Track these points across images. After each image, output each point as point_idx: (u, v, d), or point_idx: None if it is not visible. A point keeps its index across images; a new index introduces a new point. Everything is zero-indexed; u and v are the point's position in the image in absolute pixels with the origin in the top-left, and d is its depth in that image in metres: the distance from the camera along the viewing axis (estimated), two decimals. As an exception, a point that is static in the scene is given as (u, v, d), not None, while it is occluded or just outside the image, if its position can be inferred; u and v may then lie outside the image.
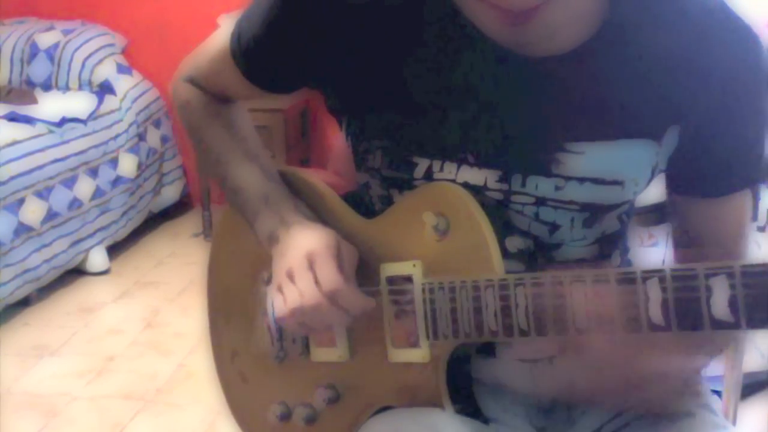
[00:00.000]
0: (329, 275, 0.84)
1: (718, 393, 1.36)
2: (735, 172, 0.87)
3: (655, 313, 0.69)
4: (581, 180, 0.83)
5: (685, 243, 0.95)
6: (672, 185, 0.91)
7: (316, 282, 0.85)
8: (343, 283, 0.84)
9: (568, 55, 0.80)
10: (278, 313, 0.88)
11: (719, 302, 0.66)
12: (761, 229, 1.58)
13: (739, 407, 1.38)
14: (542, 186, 0.83)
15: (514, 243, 0.86)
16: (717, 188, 0.88)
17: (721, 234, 0.91)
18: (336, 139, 1.18)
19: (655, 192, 0.91)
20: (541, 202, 0.84)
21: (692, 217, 0.92)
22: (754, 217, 1.03)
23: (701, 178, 0.88)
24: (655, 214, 1.12)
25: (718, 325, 0.67)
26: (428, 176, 0.85)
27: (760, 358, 1.91)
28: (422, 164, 0.85)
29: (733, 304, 0.66)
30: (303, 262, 0.86)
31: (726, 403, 1.36)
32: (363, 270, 0.89)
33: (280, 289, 0.88)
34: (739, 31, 0.81)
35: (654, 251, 1.48)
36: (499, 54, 0.80)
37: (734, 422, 1.37)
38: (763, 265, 0.65)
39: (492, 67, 0.81)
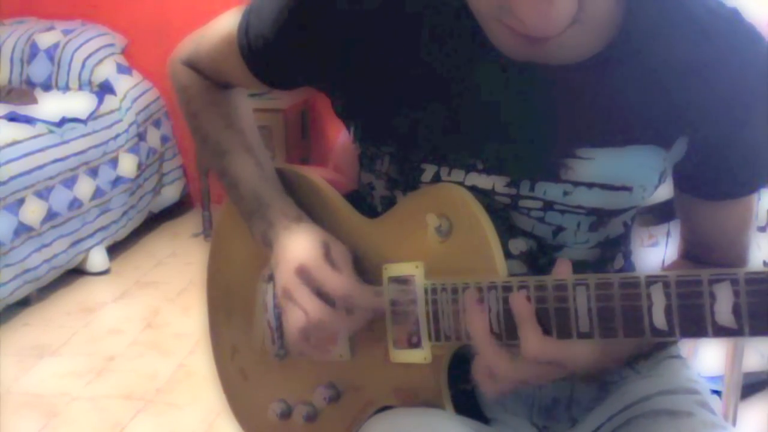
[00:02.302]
0: (330, 282, 0.84)
1: (718, 393, 1.36)
2: (741, 178, 0.88)
3: (659, 319, 0.69)
4: (590, 185, 0.83)
5: (690, 237, 0.96)
6: (679, 184, 0.91)
7: (318, 294, 0.85)
8: (347, 284, 0.85)
9: (581, 64, 0.80)
10: (289, 338, 0.89)
11: (723, 309, 0.66)
12: (761, 230, 1.58)
13: (739, 407, 1.38)
14: (550, 191, 0.83)
15: (517, 245, 0.86)
16: (723, 192, 0.89)
17: (725, 232, 0.93)
18: (337, 137, 1.17)
19: (654, 193, 0.91)
20: (548, 206, 0.84)
21: (697, 215, 0.93)
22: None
23: (707, 183, 0.89)
24: (655, 215, 1.12)
25: (722, 331, 0.67)
26: (436, 181, 0.85)
27: (760, 358, 1.91)
28: (430, 170, 0.85)
29: (736, 311, 0.66)
30: (296, 279, 0.86)
31: (726, 403, 1.36)
32: (365, 270, 0.88)
33: (285, 310, 0.88)
34: (750, 38, 0.81)
35: (654, 251, 1.48)
36: (509, 62, 0.79)
37: (734, 422, 1.37)
38: None
39: (502, 75, 0.81)
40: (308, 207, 0.95)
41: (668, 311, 0.69)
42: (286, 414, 0.98)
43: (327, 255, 0.86)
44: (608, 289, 0.71)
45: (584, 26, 0.72)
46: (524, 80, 0.81)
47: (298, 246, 0.87)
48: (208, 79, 1.00)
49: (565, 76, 0.80)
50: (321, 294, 0.85)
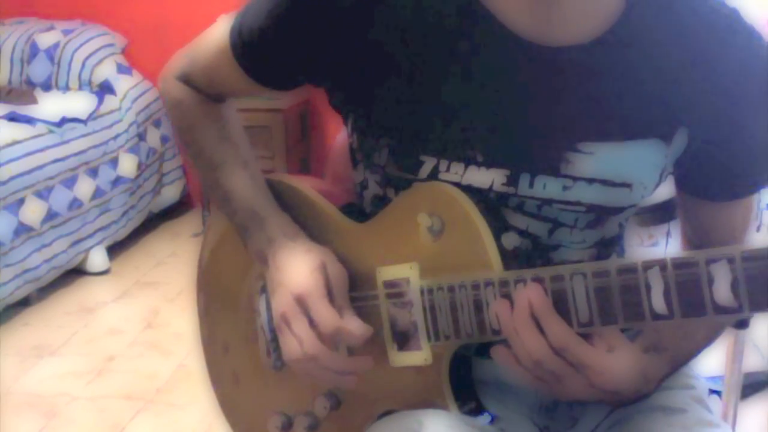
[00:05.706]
0: (324, 319, 0.85)
1: (718, 393, 1.36)
2: (742, 178, 0.89)
3: (658, 303, 0.69)
4: (590, 181, 0.83)
5: (691, 238, 0.96)
6: (680, 184, 0.91)
7: (312, 325, 0.85)
8: (338, 321, 0.85)
9: (583, 47, 0.80)
10: (288, 364, 0.90)
11: (721, 288, 0.66)
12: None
13: (739, 407, 1.38)
14: (550, 186, 0.83)
15: (511, 240, 0.85)
16: (724, 193, 0.90)
17: (728, 232, 0.93)
18: (334, 143, 1.17)
19: (654, 192, 0.91)
20: (546, 204, 0.84)
21: (700, 217, 0.94)
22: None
23: (709, 183, 0.89)
24: (655, 215, 1.12)
25: (722, 310, 0.67)
26: (433, 176, 0.84)
27: (760, 358, 1.90)
28: (429, 163, 0.84)
29: (735, 288, 0.66)
30: (294, 308, 0.86)
31: (726, 403, 1.36)
32: (359, 274, 0.88)
33: (281, 333, 0.89)
34: (750, 37, 0.82)
35: (654, 251, 1.48)
36: (511, 46, 0.80)
37: (734, 422, 1.37)
38: (764, 249, 0.65)
39: (503, 62, 0.81)
40: (297, 217, 0.94)
41: (667, 294, 0.69)
42: (287, 426, 0.97)
43: (326, 282, 0.86)
44: (606, 276, 0.71)
45: None
46: (525, 65, 0.81)
47: (298, 271, 0.87)
48: (202, 92, 0.99)
49: (564, 60, 0.80)
50: (315, 326, 0.85)
